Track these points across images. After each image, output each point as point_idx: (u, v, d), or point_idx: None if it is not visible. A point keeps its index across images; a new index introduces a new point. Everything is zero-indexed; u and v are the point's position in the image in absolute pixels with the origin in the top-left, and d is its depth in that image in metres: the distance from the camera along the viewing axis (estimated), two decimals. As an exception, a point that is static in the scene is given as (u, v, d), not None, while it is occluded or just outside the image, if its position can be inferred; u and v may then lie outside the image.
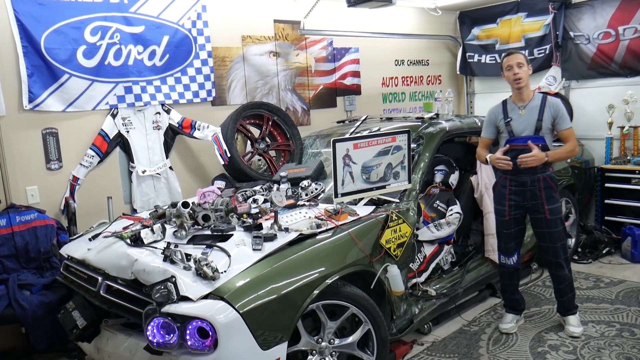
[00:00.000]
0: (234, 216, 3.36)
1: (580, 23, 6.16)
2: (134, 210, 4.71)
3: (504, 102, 3.90)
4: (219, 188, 4.22)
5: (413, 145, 4.15)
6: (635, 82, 5.86)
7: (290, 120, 4.94)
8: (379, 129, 4.37)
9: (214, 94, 5.20)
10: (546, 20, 6.41)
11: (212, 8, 5.14)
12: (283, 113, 4.94)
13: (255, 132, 4.91)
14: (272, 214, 3.26)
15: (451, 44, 7.50)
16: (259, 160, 4.94)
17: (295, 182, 4.05)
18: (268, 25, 5.59)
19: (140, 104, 4.74)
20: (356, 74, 6.40)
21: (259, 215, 3.37)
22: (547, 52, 6.47)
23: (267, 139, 4.85)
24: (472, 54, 7.25)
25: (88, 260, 3.26)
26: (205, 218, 3.22)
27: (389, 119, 4.79)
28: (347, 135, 4.49)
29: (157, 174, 4.81)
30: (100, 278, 3.07)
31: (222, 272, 2.72)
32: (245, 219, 3.31)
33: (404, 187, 3.81)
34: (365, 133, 4.43)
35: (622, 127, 5.85)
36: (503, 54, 3.88)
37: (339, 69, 6.23)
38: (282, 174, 3.96)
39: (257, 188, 3.97)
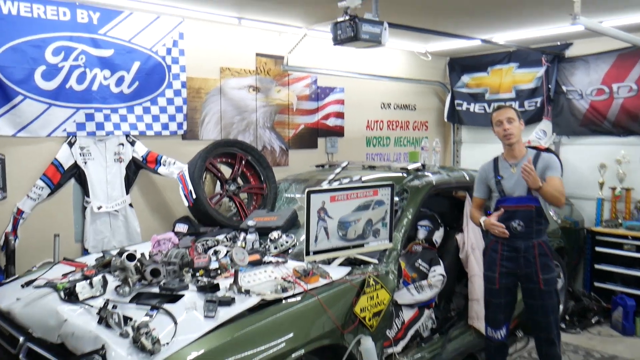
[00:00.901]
0: (189, 271, 2.93)
1: (574, 78, 5.97)
2: (85, 251, 4.24)
3: (495, 160, 3.60)
4: (178, 233, 3.80)
5: (396, 199, 3.79)
6: (629, 142, 5.64)
7: (265, 162, 4.56)
8: (360, 179, 4.02)
9: (185, 127, 4.81)
10: (538, 73, 6.21)
11: (190, 36, 4.81)
12: (258, 153, 4.57)
13: (227, 171, 4.51)
14: (233, 271, 2.84)
15: (440, 90, 7.28)
16: (230, 202, 4.53)
17: (264, 232, 3.65)
18: (249, 58, 5.27)
19: (102, 134, 4.33)
20: (340, 115, 6.09)
21: (218, 272, 2.96)
22: (539, 105, 6.25)
23: (239, 181, 4.46)
24: (461, 102, 7.02)
25: (13, 314, 2.80)
26: (155, 273, 2.79)
27: (372, 167, 4.44)
28: (326, 183, 4.13)
29: (115, 210, 4.37)
30: (22, 339, 2.61)
31: (164, 345, 2.28)
32: (201, 277, 2.89)
33: (385, 247, 3.44)
34: (345, 181, 4.08)
35: (614, 188, 5.60)
36: (493, 108, 3.60)
37: (322, 108, 5.92)
38: (250, 222, 3.55)
39: (221, 237, 3.55)
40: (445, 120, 7.18)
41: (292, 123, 5.64)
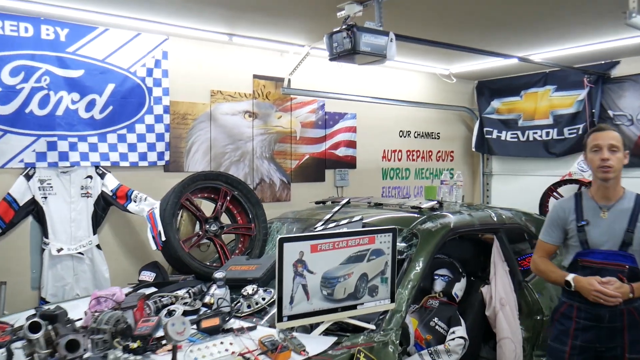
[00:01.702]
0: (124, 342, 2.27)
1: (622, 101, 5.19)
2: (42, 300, 3.64)
3: (578, 197, 2.76)
4: (135, 286, 3.16)
5: (403, 245, 3.07)
6: (691, 174, 4.78)
7: (254, 197, 3.91)
8: (360, 219, 3.31)
9: (167, 158, 4.23)
10: (580, 96, 5.44)
11: (175, 55, 4.27)
12: (246, 188, 3.92)
13: (210, 207, 3.87)
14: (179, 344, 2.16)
15: (467, 116, 6.58)
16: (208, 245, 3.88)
17: (238, 284, 2.97)
18: (245, 81, 4.70)
19: (67, 165, 3.78)
20: (351, 144, 5.43)
21: (162, 343, 2.28)
22: (580, 132, 5.47)
23: (221, 220, 3.80)
24: (491, 130, 6.32)
25: None
26: (72, 346, 2.13)
27: (378, 205, 3.73)
28: (320, 224, 3.45)
29: (80, 253, 3.78)
30: None
31: None
32: (138, 347, 2.22)
33: (384, 308, 2.70)
34: (343, 222, 3.38)
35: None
36: (591, 129, 2.80)
37: (331, 136, 5.27)
38: (218, 274, 2.87)
39: (182, 292, 2.88)
40: (473, 149, 6.49)
41: (295, 153, 5.00)
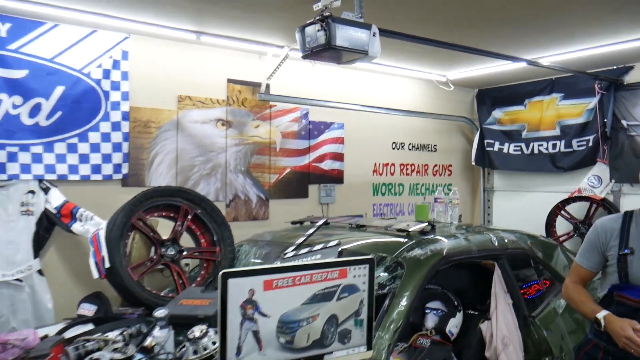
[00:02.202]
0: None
1: (637, 109, 4.78)
2: (-29, 335, 3.13)
3: (627, 218, 2.29)
4: (71, 322, 2.65)
5: (385, 276, 2.57)
6: None
7: (220, 217, 3.41)
8: (337, 244, 2.81)
9: (125, 171, 3.75)
10: (589, 104, 4.98)
11: (137, 55, 3.81)
12: (211, 205, 3.42)
13: (170, 228, 3.37)
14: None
15: (466, 127, 6.12)
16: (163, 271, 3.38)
17: (186, 322, 2.47)
18: (219, 85, 4.23)
19: (4, 178, 3.29)
20: (338, 157, 4.94)
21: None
22: (591, 144, 5.01)
23: (180, 243, 3.30)
24: (492, 141, 5.87)
25: None
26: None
27: (361, 227, 3.23)
28: (291, 250, 2.95)
29: (18, 280, 3.28)
30: None
31: None
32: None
33: (360, 357, 2.19)
34: (317, 248, 2.88)
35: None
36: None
37: (315, 148, 4.79)
38: (158, 313, 2.36)
39: (114, 335, 2.37)
40: (473, 163, 6.02)
41: (274, 166, 4.52)
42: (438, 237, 2.92)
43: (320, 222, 3.20)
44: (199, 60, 4.12)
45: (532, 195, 5.63)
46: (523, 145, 5.59)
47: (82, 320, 2.80)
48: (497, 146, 5.82)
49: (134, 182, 3.80)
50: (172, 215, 3.37)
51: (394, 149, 5.47)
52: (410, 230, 2.91)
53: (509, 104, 5.73)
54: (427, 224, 3.03)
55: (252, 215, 4.36)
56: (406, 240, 2.83)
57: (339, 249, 2.78)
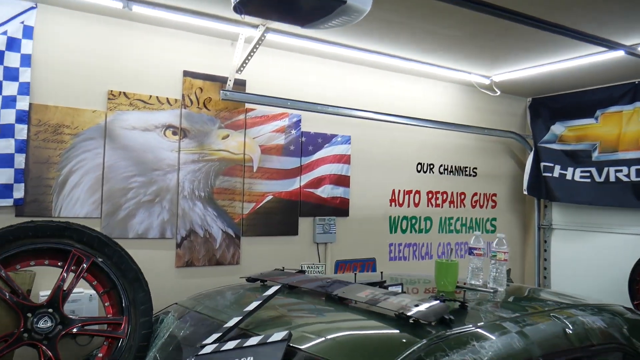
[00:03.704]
0: None
1: None
2: None
3: None
4: None
5: None
6: None
7: (132, 269, 2.22)
8: (285, 339, 1.56)
9: (19, 194, 2.63)
10: (693, 116, 3.62)
11: (46, 32, 2.72)
12: (119, 252, 2.23)
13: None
14: None
15: (516, 145, 4.92)
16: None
17: None
18: (170, 79, 3.10)
19: None
20: (342, 181, 3.71)
21: None
22: (695, 171, 3.63)
23: (64, 309, 2.12)
24: (551, 165, 4.70)
25: None
26: None
27: (341, 301, 1.95)
28: (209, 340, 1.72)
29: None
30: None
31: None
32: None
33: None
34: (251, 343, 1.63)
35: None
36: None
37: (310, 168, 3.58)
38: None
39: None
40: (525, 192, 4.79)
41: (249, 192, 3.32)
42: (470, 329, 1.63)
43: (271, 290, 1.93)
44: (142, 43, 3.00)
45: (605, 238, 4.29)
46: (594, 170, 4.34)
47: None
48: (557, 171, 4.61)
49: (34, 211, 2.66)
50: (60, 264, 2.20)
51: (419, 171, 4.21)
52: (412, 315, 1.60)
53: (574, 116, 4.59)
54: (446, 301, 1.73)
55: (215, 258, 3.16)
56: (410, 336, 1.54)
57: (284, 348, 1.51)
